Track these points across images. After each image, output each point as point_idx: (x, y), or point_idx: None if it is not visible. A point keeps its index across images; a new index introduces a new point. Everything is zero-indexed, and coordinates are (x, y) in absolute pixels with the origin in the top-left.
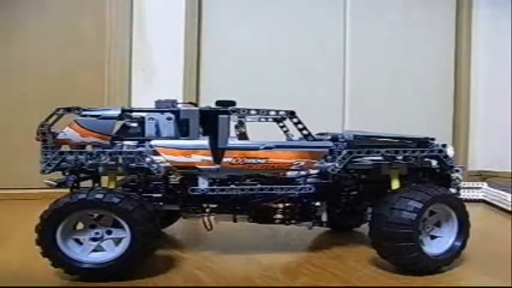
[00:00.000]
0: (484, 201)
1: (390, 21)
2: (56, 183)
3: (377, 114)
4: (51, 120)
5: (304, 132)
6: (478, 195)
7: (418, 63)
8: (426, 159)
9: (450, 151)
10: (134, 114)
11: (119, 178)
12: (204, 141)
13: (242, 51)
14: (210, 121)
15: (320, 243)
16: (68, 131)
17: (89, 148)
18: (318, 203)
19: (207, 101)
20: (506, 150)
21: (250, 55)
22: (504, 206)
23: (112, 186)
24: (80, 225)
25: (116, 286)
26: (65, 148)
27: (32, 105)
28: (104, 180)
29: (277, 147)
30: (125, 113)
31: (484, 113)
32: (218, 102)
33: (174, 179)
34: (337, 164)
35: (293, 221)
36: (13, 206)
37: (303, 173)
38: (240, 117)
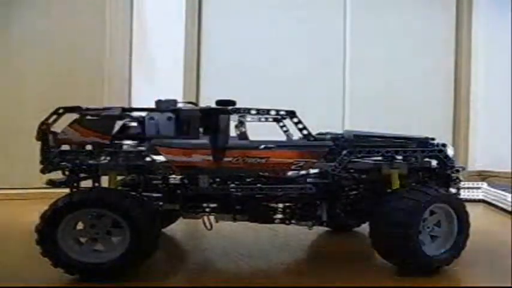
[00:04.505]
0: (484, 201)
1: (390, 21)
2: (56, 183)
3: (377, 114)
4: (51, 120)
5: (304, 132)
6: (478, 195)
7: (418, 63)
8: (426, 159)
9: (450, 151)
10: (134, 114)
11: (119, 178)
12: (204, 141)
13: (242, 51)
14: (210, 121)
15: (320, 243)
16: (68, 131)
17: (89, 148)
18: (318, 203)
19: (207, 101)
20: (506, 150)
21: (250, 55)
22: (504, 206)
23: (112, 186)
24: (80, 225)
25: (116, 286)
26: (65, 148)
27: (32, 104)
28: (104, 180)
29: (278, 146)
30: (125, 112)
31: (484, 113)
32: (218, 102)
33: (175, 179)
34: (337, 164)
35: (293, 221)
36: (13, 206)
37: (303, 172)
38: (240, 117)
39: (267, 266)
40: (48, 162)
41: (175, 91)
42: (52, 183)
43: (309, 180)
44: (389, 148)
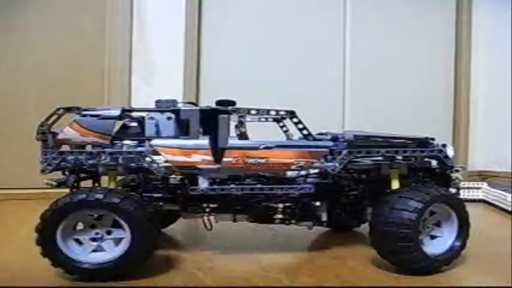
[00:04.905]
0: (484, 201)
1: (390, 20)
2: (56, 183)
3: (377, 114)
4: (51, 120)
5: (304, 132)
6: (478, 195)
7: (418, 63)
8: (426, 159)
9: (450, 151)
10: (134, 114)
11: (118, 178)
12: (204, 141)
13: (242, 51)
14: (210, 121)
15: (320, 243)
16: (68, 131)
17: (89, 148)
18: (318, 203)
19: (207, 101)
20: (506, 150)
21: (251, 55)
22: (504, 206)
23: (112, 186)
24: (80, 225)
25: (116, 286)
26: (65, 148)
27: (32, 104)
28: (104, 180)
29: (277, 147)
30: (125, 112)
31: (484, 113)
32: (218, 102)
33: (175, 179)
34: (337, 164)
35: (293, 221)
36: (13, 206)
37: (303, 172)
38: (240, 117)
39: (268, 266)
40: (48, 163)
41: (175, 91)
42: (52, 184)
43: (309, 180)
44: (389, 148)
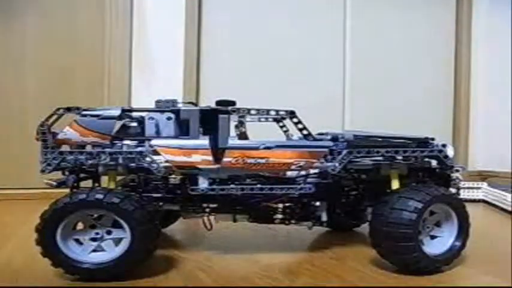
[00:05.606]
0: (484, 201)
1: (390, 21)
2: (56, 183)
3: (377, 114)
4: (51, 120)
5: (304, 132)
6: (478, 195)
7: (418, 63)
8: (426, 159)
9: (450, 151)
10: (134, 114)
11: (118, 178)
12: (204, 141)
13: (242, 51)
14: (210, 121)
15: (320, 243)
16: (68, 131)
17: (88, 148)
18: (318, 203)
19: (207, 101)
20: (506, 150)
21: (251, 55)
22: (504, 206)
23: (112, 186)
24: (80, 225)
25: (116, 286)
26: (65, 148)
27: (32, 105)
28: (104, 180)
29: (277, 147)
30: (125, 112)
31: (484, 113)
32: (218, 102)
33: (175, 179)
34: (337, 164)
35: (293, 221)
36: (13, 206)
37: (303, 172)
38: (240, 117)
39: (267, 266)
40: (48, 163)
41: (175, 91)
42: (52, 184)
43: (309, 180)
44: (389, 148)
